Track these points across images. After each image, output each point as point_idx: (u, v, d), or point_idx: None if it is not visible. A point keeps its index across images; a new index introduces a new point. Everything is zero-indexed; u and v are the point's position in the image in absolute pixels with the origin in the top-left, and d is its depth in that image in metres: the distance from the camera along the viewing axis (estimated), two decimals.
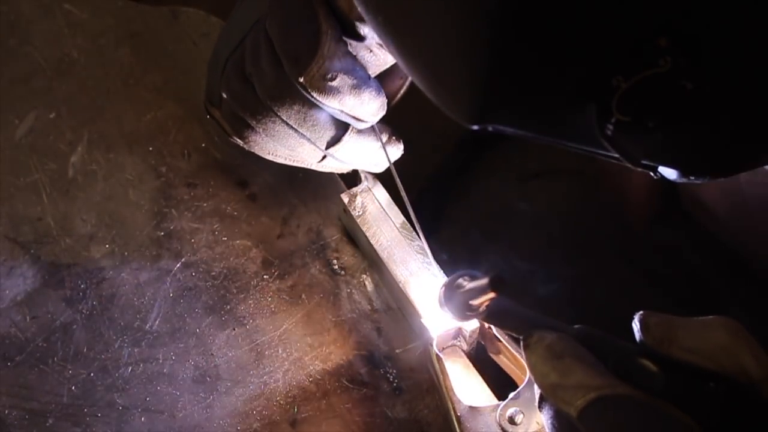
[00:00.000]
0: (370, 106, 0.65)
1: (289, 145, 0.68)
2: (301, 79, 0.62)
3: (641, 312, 0.48)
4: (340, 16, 0.63)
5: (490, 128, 0.45)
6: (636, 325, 0.48)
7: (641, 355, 0.47)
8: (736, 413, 0.44)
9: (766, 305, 0.82)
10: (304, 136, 0.67)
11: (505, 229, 0.81)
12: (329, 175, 0.80)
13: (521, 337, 0.50)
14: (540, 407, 0.49)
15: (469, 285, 0.55)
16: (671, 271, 0.86)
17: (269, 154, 0.70)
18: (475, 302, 0.54)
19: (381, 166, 0.71)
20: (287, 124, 0.66)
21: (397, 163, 0.70)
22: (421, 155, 0.94)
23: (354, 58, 0.64)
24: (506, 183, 0.92)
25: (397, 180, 0.68)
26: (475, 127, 0.45)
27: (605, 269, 0.86)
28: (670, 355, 0.46)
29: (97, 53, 0.87)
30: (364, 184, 0.74)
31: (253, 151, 0.70)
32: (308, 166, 0.71)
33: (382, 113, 0.67)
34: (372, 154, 0.69)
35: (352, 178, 0.76)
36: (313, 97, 0.63)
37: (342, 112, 0.65)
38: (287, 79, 0.63)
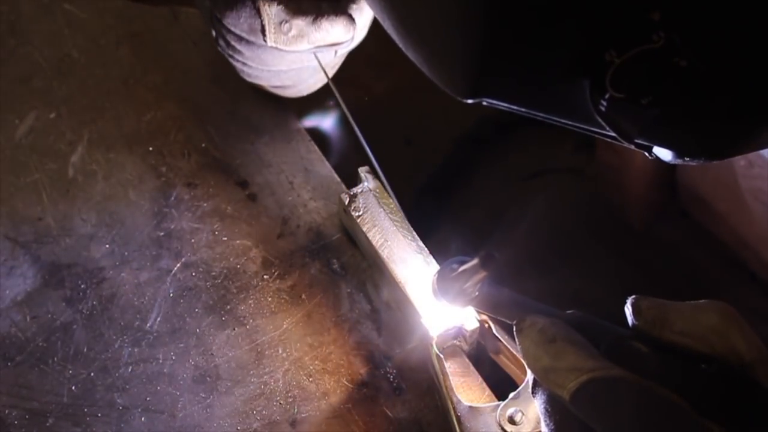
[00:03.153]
0: (336, 30, 0.69)
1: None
2: (270, 45, 0.68)
3: (633, 296, 0.48)
4: None
5: (484, 102, 0.45)
6: (628, 309, 0.48)
7: (633, 339, 0.47)
8: (728, 394, 0.44)
9: (765, 302, 0.82)
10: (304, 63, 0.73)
11: (504, 228, 0.81)
12: (329, 175, 0.80)
13: (513, 322, 0.50)
14: (533, 393, 0.49)
15: (460, 268, 0.55)
16: (670, 268, 0.86)
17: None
18: (467, 285, 0.55)
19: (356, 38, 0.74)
20: (292, 69, 0.73)
21: (397, 163, 0.70)
22: (421, 155, 0.94)
23: None
24: (506, 182, 0.92)
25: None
26: (470, 101, 0.45)
27: (604, 267, 0.86)
28: (662, 338, 0.46)
29: (97, 53, 0.87)
30: (364, 184, 0.74)
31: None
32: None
33: (353, 28, 0.70)
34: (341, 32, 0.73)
35: (352, 178, 0.76)
36: (288, 51, 0.69)
37: (317, 47, 0.69)
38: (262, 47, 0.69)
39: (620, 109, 0.41)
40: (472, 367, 0.67)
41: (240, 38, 0.69)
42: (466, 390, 0.66)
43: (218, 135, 0.82)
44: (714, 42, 0.38)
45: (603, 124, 0.42)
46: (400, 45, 0.49)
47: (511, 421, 0.60)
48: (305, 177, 0.80)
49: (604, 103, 0.41)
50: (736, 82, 0.39)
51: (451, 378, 0.63)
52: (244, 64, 0.72)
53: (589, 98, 0.41)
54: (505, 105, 0.45)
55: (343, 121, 0.76)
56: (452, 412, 0.62)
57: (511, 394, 0.61)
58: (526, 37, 0.41)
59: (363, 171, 0.75)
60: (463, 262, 0.56)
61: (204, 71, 0.86)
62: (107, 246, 0.74)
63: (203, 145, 0.81)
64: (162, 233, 0.75)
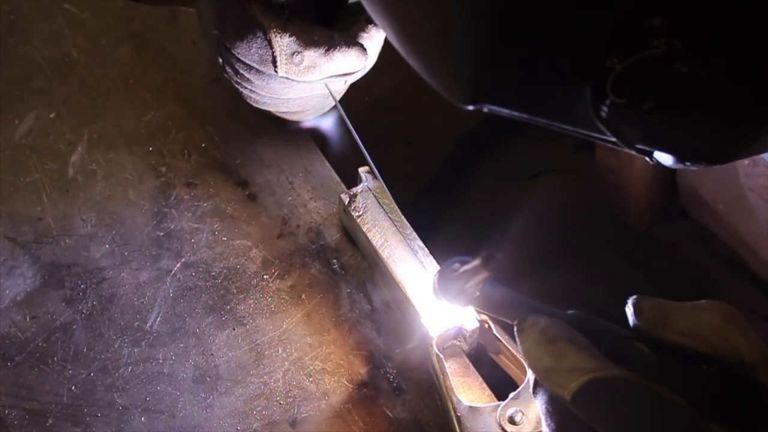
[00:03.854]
0: (348, 60, 0.68)
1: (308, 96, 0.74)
2: (281, 75, 0.67)
3: (635, 296, 0.48)
4: None
5: (485, 109, 0.45)
6: (629, 309, 0.48)
7: (635, 339, 0.47)
8: (729, 395, 0.44)
9: (765, 303, 0.82)
10: (314, 90, 0.72)
11: (504, 228, 0.81)
12: (329, 175, 0.80)
13: (515, 323, 0.50)
14: (534, 393, 0.49)
15: (462, 268, 0.56)
16: (671, 269, 0.86)
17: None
18: (468, 285, 0.55)
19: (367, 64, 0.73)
20: (301, 98, 0.72)
21: (397, 163, 0.70)
22: (421, 155, 0.94)
23: (307, 26, 0.66)
24: (506, 182, 0.92)
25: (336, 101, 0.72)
26: (471, 108, 0.45)
27: (605, 268, 0.86)
28: (664, 339, 0.46)
29: (97, 53, 0.87)
30: (364, 184, 0.74)
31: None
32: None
33: (365, 58, 0.69)
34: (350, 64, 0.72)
35: (352, 178, 0.76)
36: (298, 81, 0.68)
37: (329, 77, 0.69)
38: (272, 76, 0.68)
39: (621, 114, 0.41)
40: (472, 367, 0.67)
41: (250, 67, 0.68)
42: (466, 390, 0.66)
43: (218, 135, 0.82)
44: (715, 47, 0.38)
45: (604, 129, 0.42)
46: (401, 51, 0.48)
47: (512, 421, 0.60)
48: (305, 177, 0.80)
49: (605, 109, 0.41)
50: (737, 87, 0.39)
51: (451, 378, 0.63)
52: (252, 91, 0.71)
53: (590, 104, 0.41)
54: (506, 111, 0.45)
55: (342, 122, 0.76)
56: (452, 412, 0.62)
57: (512, 394, 0.61)
58: (527, 45, 0.41)
59: (363, 171, 0.74)
60: (464, 262, 0.56)
61: (204, 71, 0.86)
62: (107, 246, 0.74)
63: (203, 145, 0.81)
64: (162, 233, 0.75)
